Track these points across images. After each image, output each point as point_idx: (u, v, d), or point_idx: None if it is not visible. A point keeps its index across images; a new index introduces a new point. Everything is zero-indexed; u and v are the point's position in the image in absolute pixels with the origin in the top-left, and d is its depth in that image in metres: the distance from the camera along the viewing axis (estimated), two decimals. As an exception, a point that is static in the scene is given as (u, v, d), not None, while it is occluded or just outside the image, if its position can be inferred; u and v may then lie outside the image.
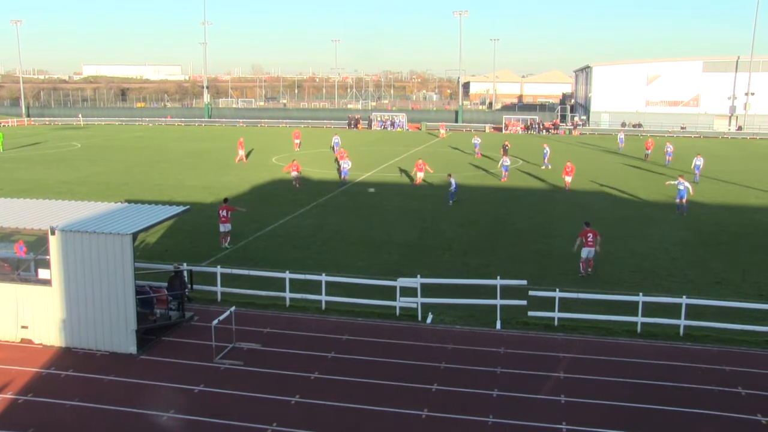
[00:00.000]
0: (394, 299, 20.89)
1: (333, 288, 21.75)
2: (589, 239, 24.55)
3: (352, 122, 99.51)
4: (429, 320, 20.32)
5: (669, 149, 58.88)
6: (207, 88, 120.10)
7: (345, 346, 18.20)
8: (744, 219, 35.19)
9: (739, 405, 15.08)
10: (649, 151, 62.09)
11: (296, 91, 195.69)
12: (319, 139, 76.58)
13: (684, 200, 35.96)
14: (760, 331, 19.18)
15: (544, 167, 53.27)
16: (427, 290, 21.15)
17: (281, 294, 21.52)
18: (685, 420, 14.35)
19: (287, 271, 21.64)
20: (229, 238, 28.18)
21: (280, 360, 17.15)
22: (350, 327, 19.58)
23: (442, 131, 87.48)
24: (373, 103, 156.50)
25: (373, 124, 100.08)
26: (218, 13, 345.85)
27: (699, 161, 48.04)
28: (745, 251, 28.49)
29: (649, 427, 14.03)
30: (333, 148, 61.86)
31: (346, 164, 46.33)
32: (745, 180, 48.59)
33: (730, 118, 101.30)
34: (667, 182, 40.99)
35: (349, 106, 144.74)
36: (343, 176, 46.01)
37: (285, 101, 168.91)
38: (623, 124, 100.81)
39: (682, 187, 35.99)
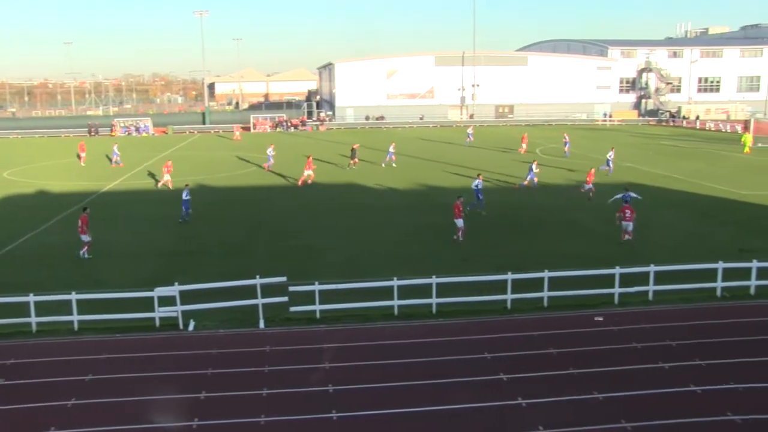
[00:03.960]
0: (154, 310, 20.09)
1: (87, 306, 20.22)
2: (626, 215, 28.65)
3: (93, 130, 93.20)
4: (191, 327, 19.84)
5: (567, 141, 61.57)
6: None
7: (104, 365, 17.17)
8: (491, 199, 38.53)
9: (485, 368, 16.61)
10: (525, 144, 63.43)
11: (27, 98, 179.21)
12: (60, 149, 70.93)
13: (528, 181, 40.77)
14: (497, 300, 21.20)
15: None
16: (188, 297, 20.54)
17: (26, 320, 19.71)
18: (440, 389, 15.47)
19: (31, 294, 19.85)
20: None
21: (30, 392, 15.71)
22: (108, 345, 18.51)
23: (237, 133, 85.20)
24: (115, 109, 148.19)
25: (115, 130, 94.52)
26: None
27: (392, 148, 53.18)
28: (485, 229, 31.23)
29: (414, 402, 14.93)
30: (110, 158, 58.25)
31: (166, 177, 44.00)
32: (475, 164, 53.10)
33: (461, 108, 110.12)
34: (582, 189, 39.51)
35: (89, 112, 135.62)
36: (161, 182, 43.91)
37: (14, 109, 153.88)
38: (367, 118, 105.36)
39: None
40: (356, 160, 52.60)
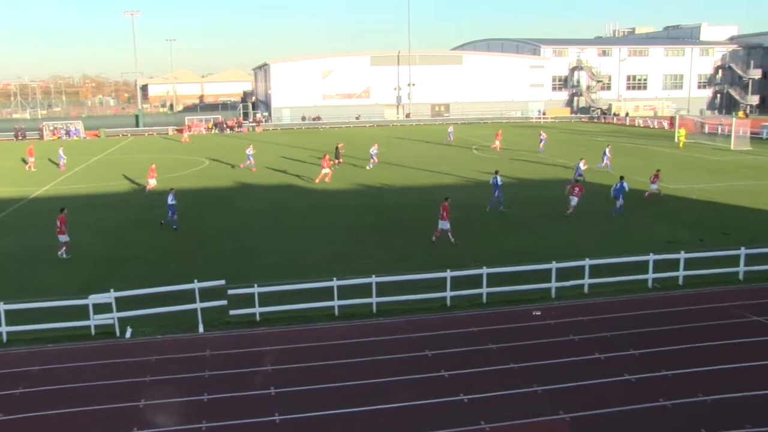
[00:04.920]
0: (89, 318, 19.58)
1: (15, 316, 19.54)
2: (575, 191, 33.26)
3: (20, 134, 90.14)
4: (128, 334, 19.40)
5: (542, 137, 62.57)
6: None
7: (36, 378, 16.61)
8: (424, 197, 38.89)
9: (426, 365, 16.75)
10: (498, 141, 64.58)
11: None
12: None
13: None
14: (437, 298, 21.41)
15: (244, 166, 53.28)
16: (124, 303, 20.08)
17: (-53, 334, 18.95)
18: (382, 388, 15.54)
19: (-49, 306, 19.04)
20: None
21: (-42, 406, 15.15)
22: (40, 356, 17.92)
23: (185, 135, 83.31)
24: (44, 112, 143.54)
25: (57, 133, 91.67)
26: None
27: (375, 149, 52.23)
28: (424, 228, 31.48)
29: (356, 402, 14.94)
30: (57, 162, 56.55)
31: (152, 182, 42.98)
32: (416, 162, 53.51)
33: (397, 107, 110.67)
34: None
35: (15, 115, 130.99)
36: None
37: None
38: (303, 118, 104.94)
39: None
40: (340, 159, 52.20)
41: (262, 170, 51.16)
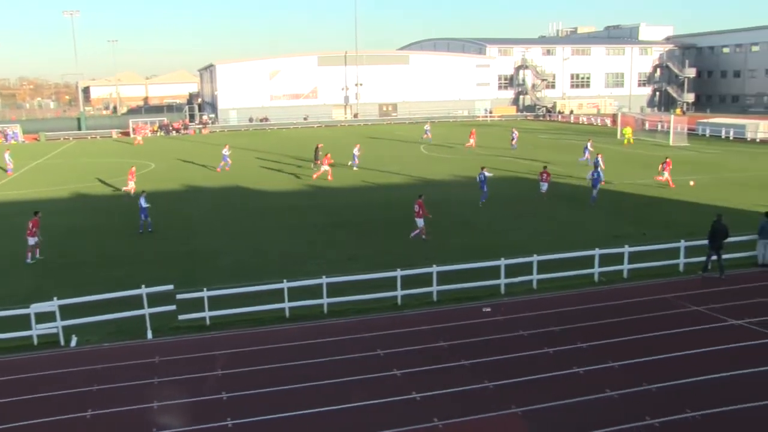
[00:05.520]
0: (30, 328, 19.06)
1: (-47, 328, 18.99)
2: (544, 177, 37.42)
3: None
4: (74, 343, 18.95)
5: (514, 135, 64.13)
6: None
7: (-24, 390, 16.13)
8: (373, 197, 38.93)
9: (378, 365, 16.79)
10: (473, 140, 65.97)
11: None
12: None
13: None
14: (388, 297, 21.47)
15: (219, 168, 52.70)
16: (68, 311, 19.60)
17: None
18: (334, 389, 15.51)
19: None
20: None
21: None
22: (-20, 368, 17.41)
23: (139, 137, 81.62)
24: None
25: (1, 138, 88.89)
26: None
27: (357, 150, 52.64)
28: (374, 228, 31.56)
29: (309, 403, 14.86)
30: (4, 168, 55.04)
31: (131, 184, 41.84)
32: (366, 162, 53.50)
33: (345, 107, 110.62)
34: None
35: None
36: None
37: None
38: (250, 119, 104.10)
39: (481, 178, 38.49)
40: (320, 161, 51.79)
41: (210, 173, 50.54)
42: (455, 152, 61.99)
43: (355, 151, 52.91)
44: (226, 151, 53.37)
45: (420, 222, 29.15)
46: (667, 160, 41.10)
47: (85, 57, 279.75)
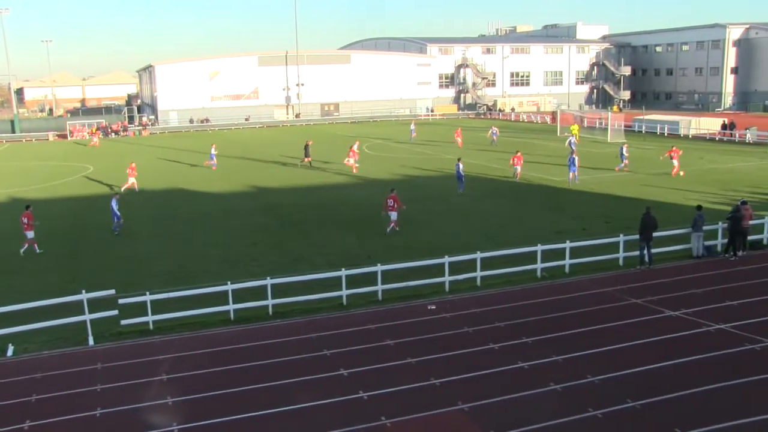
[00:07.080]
0: (-35, 338, 18.45)
1: None
2: (515, 161, 42.65)
3: None
4: (10, 352, 18.37)
5: (494, 132, 66.94)
6: None
7: None
8: (315, 197, 38.82)
9: (325, 365, 16.78)
10: (459, 138, 66.27)
11: None
12: None
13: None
14: (333, 297, 21.47)
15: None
16: (5, 319, 19.01)
17: None
18: (281, 390, 15.43)
19: None
20: None
21: None
22: None
23: (95, 139, 79.71)
24: None
25: None
26: None
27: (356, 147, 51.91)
28: (314, 228, 31.49)
29: (256, 405, 14.76)
30: None
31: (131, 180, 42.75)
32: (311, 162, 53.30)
33: (287, 107, 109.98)
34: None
35: None
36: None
37: None
38: (191, 121, 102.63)
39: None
40: (309, 158, 51.39)
41: (151, 175, 49.59)
42: (392, 150, 62.18)
43: (355, 147, 51.97)
44: (213, 151, 53.20)
45: (394, 215, 29.78)
46: (674, 147, 43.54)
47: (17, 57, 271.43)
